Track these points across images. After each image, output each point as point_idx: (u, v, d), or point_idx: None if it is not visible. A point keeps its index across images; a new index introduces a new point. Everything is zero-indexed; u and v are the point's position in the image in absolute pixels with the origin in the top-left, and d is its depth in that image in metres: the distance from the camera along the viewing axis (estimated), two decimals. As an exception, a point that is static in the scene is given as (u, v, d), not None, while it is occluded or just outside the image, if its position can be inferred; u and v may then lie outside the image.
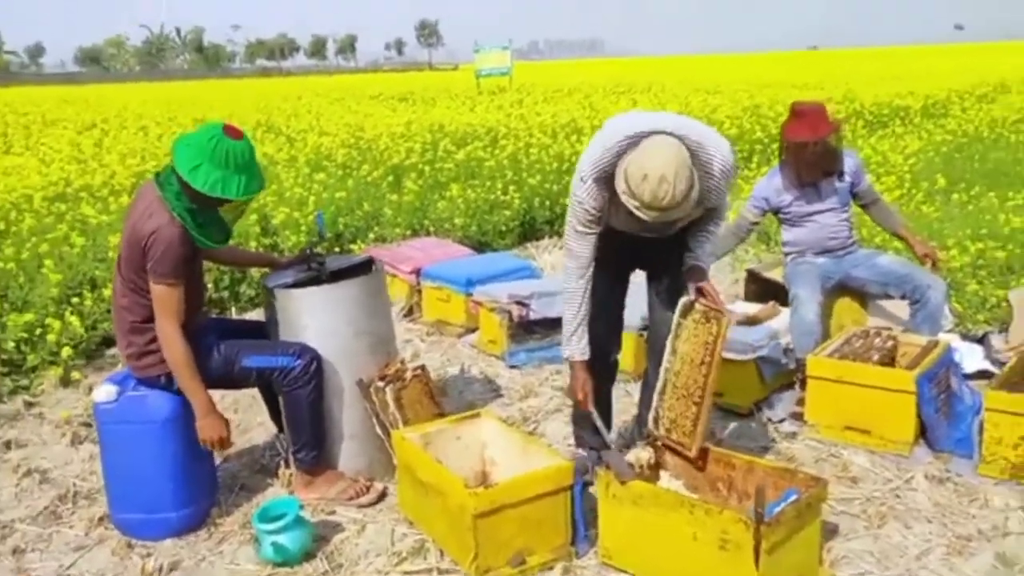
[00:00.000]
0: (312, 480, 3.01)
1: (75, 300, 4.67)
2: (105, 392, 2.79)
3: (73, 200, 6.55)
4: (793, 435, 3.45)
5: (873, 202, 4.06)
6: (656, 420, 2.75)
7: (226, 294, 5.34)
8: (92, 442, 3.45)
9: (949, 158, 8.15)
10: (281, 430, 3.16)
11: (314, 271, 3.21)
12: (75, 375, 4.29)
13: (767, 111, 12.16)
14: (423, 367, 3.24)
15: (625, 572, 2.54)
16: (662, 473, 2.78)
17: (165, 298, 2.69)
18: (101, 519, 2.94)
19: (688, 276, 2.69)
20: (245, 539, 2.81)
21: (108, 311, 4.34)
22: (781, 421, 3.56)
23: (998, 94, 16.12)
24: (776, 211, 4.01)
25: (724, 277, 5.81)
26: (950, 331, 4.09)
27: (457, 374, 4.29)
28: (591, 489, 2.69)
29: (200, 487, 2.91)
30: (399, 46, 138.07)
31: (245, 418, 3.75)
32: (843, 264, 3.95)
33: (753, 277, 4.64)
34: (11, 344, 4.25)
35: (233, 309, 5.30)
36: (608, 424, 3.06)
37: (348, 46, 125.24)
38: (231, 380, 2.96)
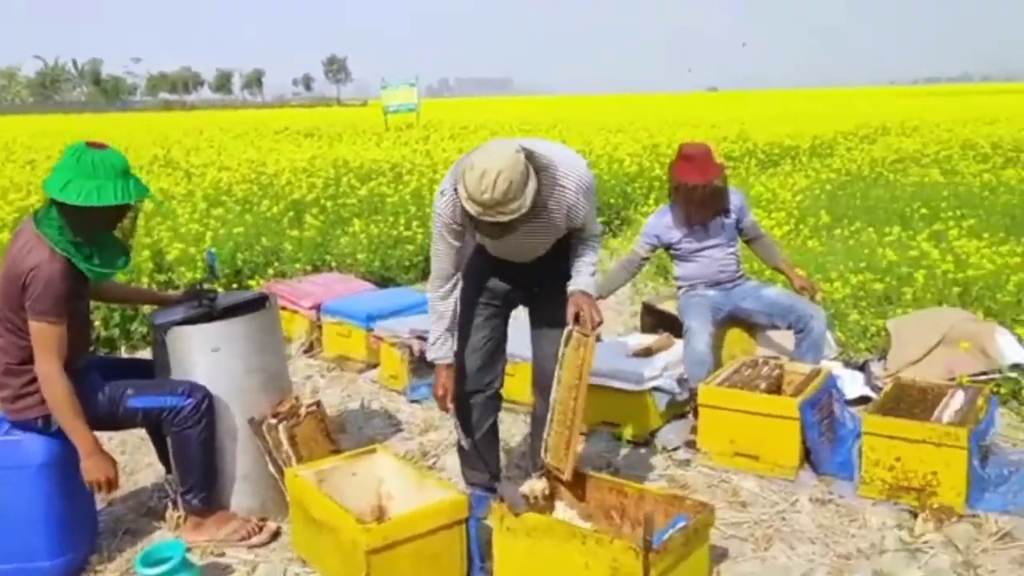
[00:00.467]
0: (201, 522, 2.92)
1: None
2: (-23, 436, 2.65)
3: (-49, 235, 6.22)
4: (687, 462, 3.53)
5: (757, 238, 4.26)
6: (545, 450, 2.78)
7: (116, 332, 5.15)
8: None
9: (833, 195, 8.56)
10: (170, 471, 3.06)
11: (205, 308, 3.14)
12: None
13: (666, 149, 12.54)
14: (318, 403, 3.20)
15: (520, 604, 2.54)
16: (557, 503, 2.80)
17: (45, 336, 2.58)
18: (-28, 570, 2.78)
19: (569, 304, 2.73)
20: (128, 586, 2.70)
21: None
22: (675, 449, 3.65)
23: (879, 135, 17.06)
24: (667, 247, 4.14)
25: (624, 309, 5.96)
26: (833, 359, 4.28)
27: (357, 409, 4.24)
28: (487, 521, 2.69)
29: (78, 533, 2.78)
30: (307, 81, 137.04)
31: (132, 459, 3.62)
32: (732, 296, 4.10)
33: (648, 309, 4.76)
34: None
35: (123, 348, 5.12)
36: (496, 457, 3.09)
37: (255, 81, 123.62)
38: (116, 421, 2.85)
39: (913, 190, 8.54)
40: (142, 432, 3.22)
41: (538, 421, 2.97)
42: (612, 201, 9.36)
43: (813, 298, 4.04)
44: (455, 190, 2.48)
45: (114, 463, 2.72)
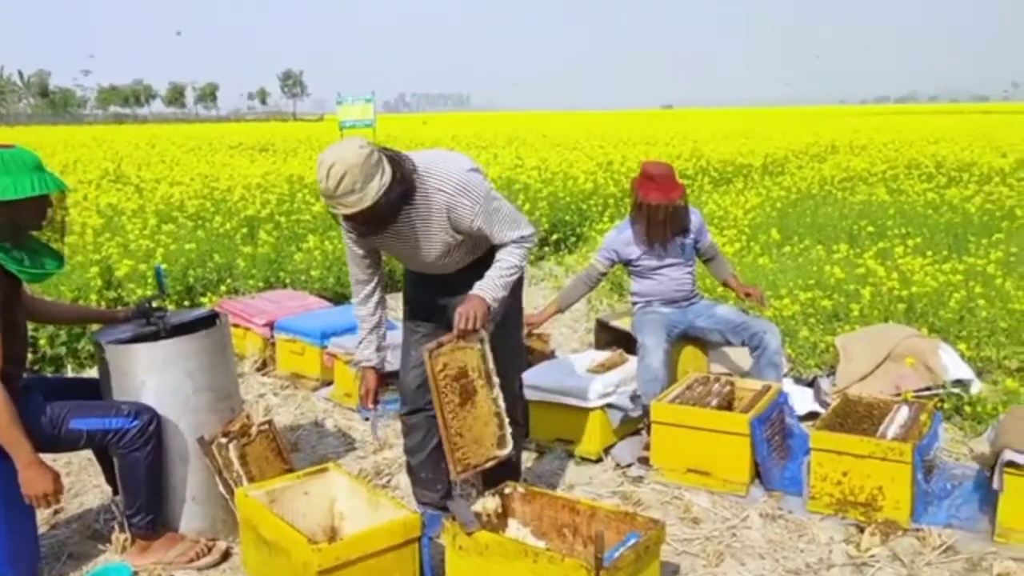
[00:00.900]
0: (148, 545, 2.86)
1: None
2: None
3: None
4: (640, 479, 3.56)
5: (713, 257, 4.33)
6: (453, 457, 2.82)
7: (63, 350, 5.04)
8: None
9: (784, 213, 8.72)
10: (117, 492, 2.99)
11: (154, 325, 3.09)
12: None
13: (619, 166, 12.67)
14: (270, 422, 3.16)
15: (473, 623, 2.53)
16: (510, 521, 2.80)
17: None
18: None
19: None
20: (71, 612, 2.63)
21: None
22: (629, 466, 3.67)
23: (828, 154, 17.42)
24: (625, 263, 4.18)
25: (578, 326, 5.99)
26: (784, 375, 4.35)
27: (311, 427, 4.20)
28: (439, 540, 2.69)
29: (17, 558, 2.70)
30: (262, 96, 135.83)
31: (78, 480, 3.54)
32: (687, 314, 4.15)
33: (602, 326, 4.79)
34: None
35: (70, 367, 5.01)
36: (445, 476, 3.08)
37: (209, 94, 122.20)
38: (59, 443, 2.77)
39: (861, 208, 8.74)
40: (88, 452, 3.15)
41: None
42: (567, 218, 9.42)
43: (761, 303, 4.11)
44: None
45: (56, 476, 2.64)
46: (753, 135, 23.22)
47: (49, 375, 4.81)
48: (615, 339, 4.55)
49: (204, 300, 5.92)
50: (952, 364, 4.15)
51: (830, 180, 11.42)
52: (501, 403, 2.76)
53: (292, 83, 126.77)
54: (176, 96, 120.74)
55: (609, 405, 3.76)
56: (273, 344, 5.01)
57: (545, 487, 3.29)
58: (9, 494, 2.59)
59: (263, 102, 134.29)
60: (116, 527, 2.99)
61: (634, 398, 3.87)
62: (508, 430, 2.79)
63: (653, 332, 3.95)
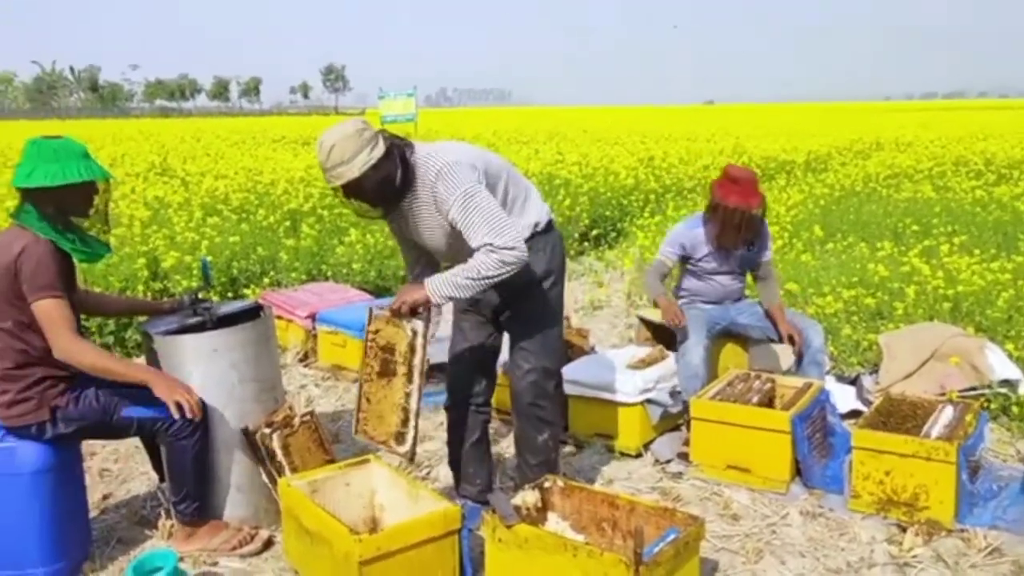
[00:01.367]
0: (194, 532, 2.92)
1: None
2: (-29, 443, 2.66)
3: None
4: (679, 475, 3.55)
5: (766, 276, 4.13)
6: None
7: (111, 339, 5.16)
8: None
9: (827, 210, 8.61)
10: (163, 480, 3.07)
11: (200, 317, 3.16)
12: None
13: (660, 162, 12.60)
14: (312, 413, 3.21)
15: (511, 615, 2.55)
16: (549, 515, 2.81)
17: (50, 312, 2.60)
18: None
19: None
20: (120, 594, 2.71)
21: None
22: (668, 462, 3.66)
23: (873, 151, 17.15)
24: (686, 259, 4.13)
25: (618, 321, 5.98)
26: (826, 373, 4.30)
27: (352, 419, 4.23)
28: (479, 532, 2.71)
29: (71, 541, 2.78)
30: (305, 90, 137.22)
31: (126, 467, 3.62)
32: (729, 311, 4.11)
33: (644, 322, 4.78)
34: None
35: (118, 356, 5.12)
36: (486, 468, 3.10)
37: (252, 88, 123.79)
38: (110, 430, 2.85)
39: (906, 206, 8.60)
40: (136, 440, 3.23)
41: (516, 437, 3.02)
42: (608, 214, 9.39)
43: (793, 344, 3.95)
44: None
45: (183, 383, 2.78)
46: (796, 131, 22.92)
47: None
48: (656, 334, 4.53)
49: (247, 292, 6.02)
50: (999, 364, 4.07)
51: (875, 177, 11.25)
52: (413, 403, 2.69)
53: (334, 77, 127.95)
54: (220, 90, 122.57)
55: (649, 401, 3.75)
56: (315, 336, 5.07)
57: (584, 482, 3.29)
58: (66, 483, 2.67)
59: (305, 96, 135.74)
60: (163, 514, 3.07)
61: (674, 394, 3.86)
62: (412, 432, 2.69)
63: (694, 328, 3.92)
